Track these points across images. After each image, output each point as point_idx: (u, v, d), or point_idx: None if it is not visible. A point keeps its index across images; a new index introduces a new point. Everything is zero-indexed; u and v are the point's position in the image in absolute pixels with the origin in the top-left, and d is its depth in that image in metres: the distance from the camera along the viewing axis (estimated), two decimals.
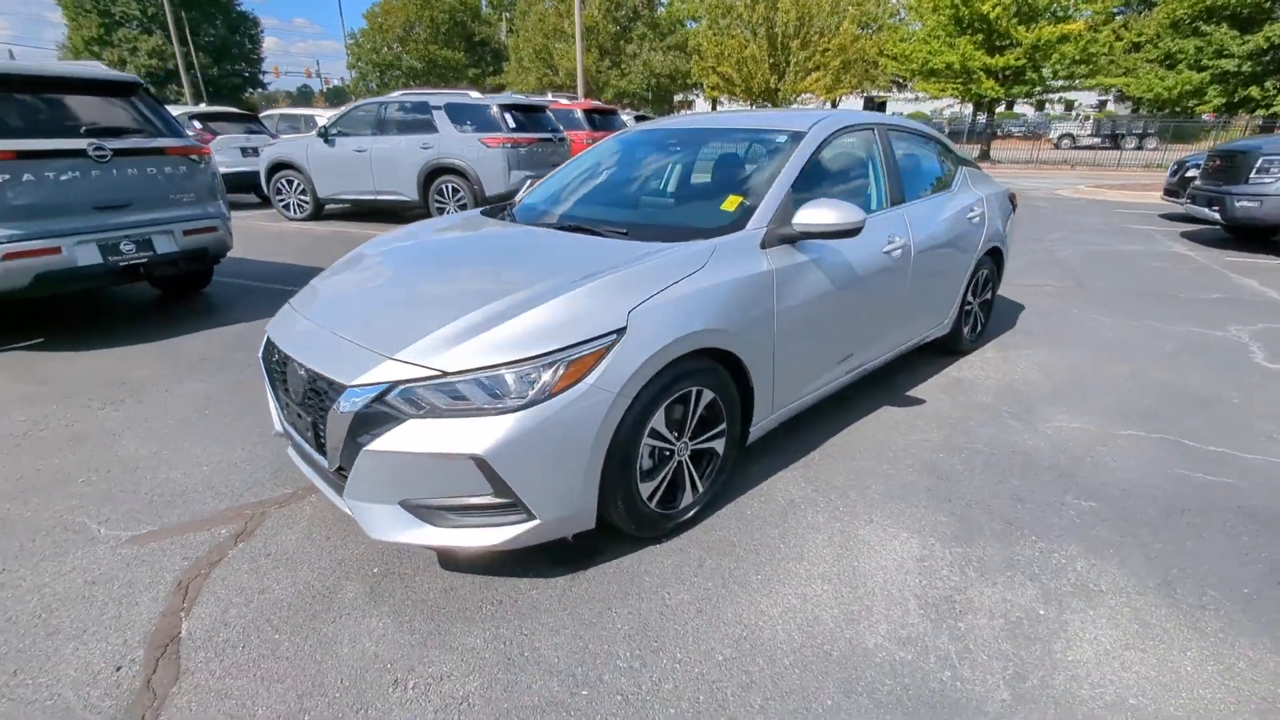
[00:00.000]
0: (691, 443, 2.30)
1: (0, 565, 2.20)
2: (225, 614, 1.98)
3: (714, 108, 36.45)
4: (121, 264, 4.43)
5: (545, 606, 2.00)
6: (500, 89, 33.09)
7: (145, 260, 4.56)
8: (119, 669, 1.79)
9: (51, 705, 1.67)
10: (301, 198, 9.99)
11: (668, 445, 2.21)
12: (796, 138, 2.82)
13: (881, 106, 47.30)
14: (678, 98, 38.27)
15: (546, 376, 1.86)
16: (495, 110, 8.64)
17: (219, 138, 11.27)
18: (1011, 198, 4.38)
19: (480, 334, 1.91)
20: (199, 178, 5.01)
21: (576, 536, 2.18)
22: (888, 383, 3.65)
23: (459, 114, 8.78)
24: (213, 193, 5.15)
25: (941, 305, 3.65)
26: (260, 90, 56.23)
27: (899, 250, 3.07)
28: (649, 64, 29.09)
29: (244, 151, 11.52)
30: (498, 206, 3.36)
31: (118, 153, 4.43)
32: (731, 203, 2.60)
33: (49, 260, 4.12)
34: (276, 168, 10.05)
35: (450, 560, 2.20)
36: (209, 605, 2.02)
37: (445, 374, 1.84)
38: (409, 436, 1.84)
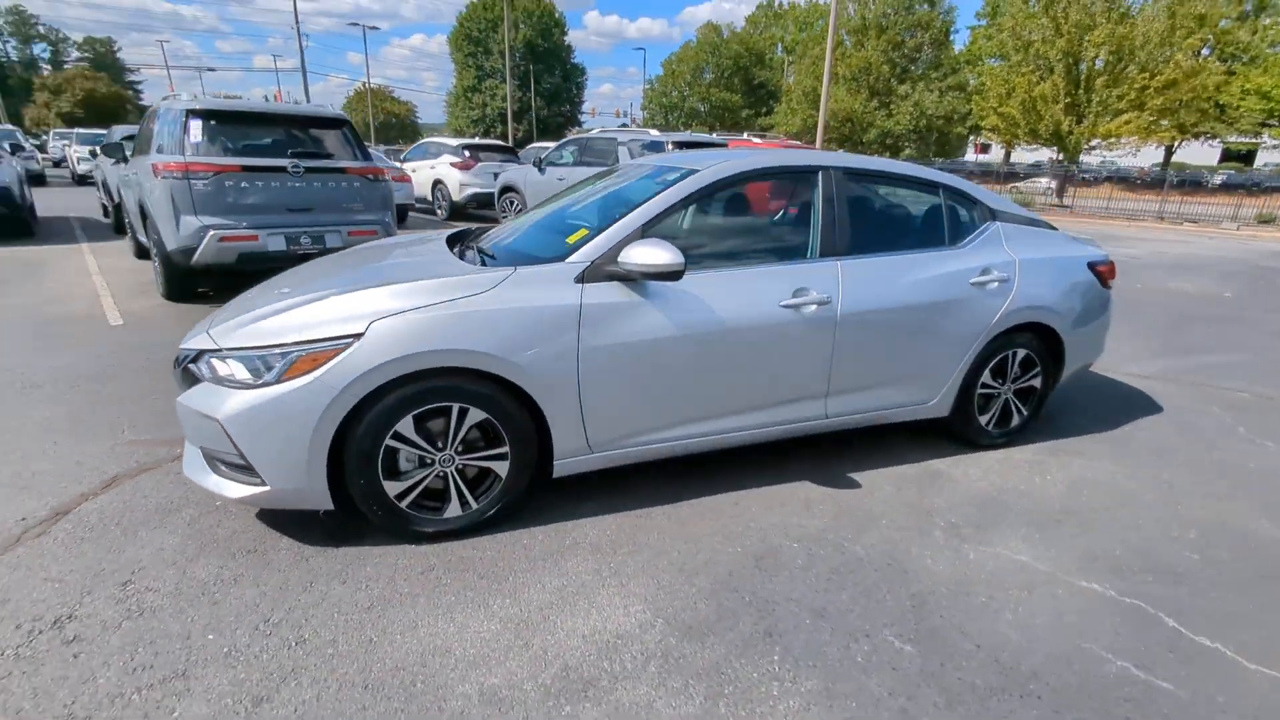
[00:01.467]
0: (461, 457, 2.38)
1: (56, 440, 3.20)
2: (109, 506, 2.64)
3: (1008, 156, 32.62)
4: (299, 252, 5.81)
5: (275, 565, 2.28)
6: (767, 130, 33.94)
7: (316, 251, 5.89)
8: (23, 519, 2.53)
9: None
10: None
11: (425, 453, 2.33)
12: (684, 176, 2.69)
13: (1248, 157, 37.32)
14: (973, 139, 35.02)
15: (280, 364, 2.15)
16: (670, 147, 9.16)
17: (478, 164, 13.67)
18: (1099, 269, 3.39)
19: (258, 321, 2.28)
20: (371, 193, 6.32)
21: (331, 515, 2.42)
22: (842, 458, 3.15)
23: (637, 150, 9.48)
24: (382, 205, 6.45)
25: (920, 378, 3.02)
26: (578, 127, 65.92)
27: (813, 306, 2.69)
28: (920, 104, 27.14)
29: (494, 176, 13.79)
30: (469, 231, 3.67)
31: (309, 170, 5.85)
32: (576, 235, 2.60)
33: (250, 245, 5.61)
34: (504, 190, 11.92)
35: (265, 513, 2.59)
36: (109, 497, 2.71)
37: (220, 349, 2.25)
38: (197, 395, 2.28)
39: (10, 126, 23.82)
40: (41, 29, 77.96)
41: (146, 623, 1.99)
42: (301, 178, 5.82)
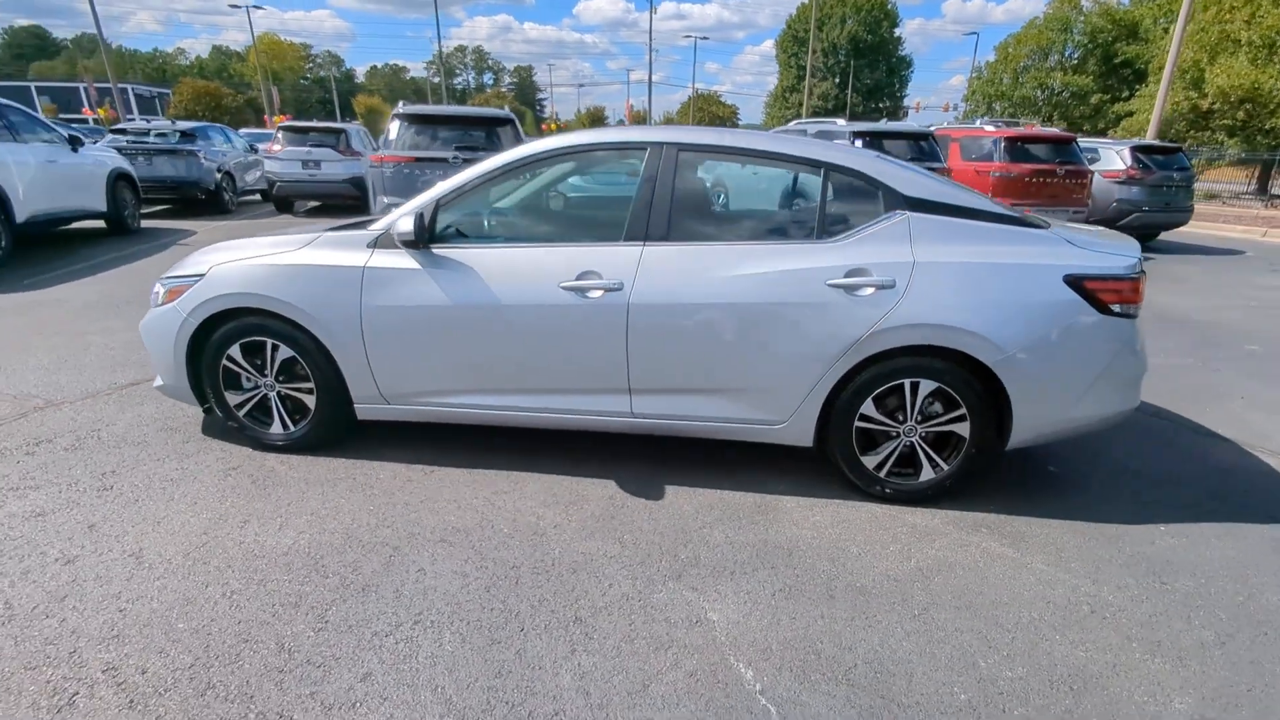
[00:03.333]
0: (281, 385, 2.87)
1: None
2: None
3: None
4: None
5: (172, 441, 3.05)
6: (1120, 119, 27.15)
7: None
8: (113, 383, 3.78)
9: (78, 390, 3.76)
10: None
11: (250, 376, 2.87)
12: (496, 156, 2.72)
13: None
14: None
15: (163, 291, 2.89)
16: (848, 136, 8.44)
17: None
18: (1090, 285, 2.30)
19: (183, 260, 3.06)
20: None
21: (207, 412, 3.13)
22: (686, 470, 2.82)
23: (822, 138, 8.89)
24: None
25: (754, 394, 2.52)
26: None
27: (599, 292, 2.49)
28: None
29: None
30: None
31: (465, 160, 6.95)
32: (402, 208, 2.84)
33: None
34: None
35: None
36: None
37: (162, 278, 3.09)
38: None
39: None
40: (490, 62, 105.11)
41: (71, 455, 2.91)
42: (461, 167, 6.94)
